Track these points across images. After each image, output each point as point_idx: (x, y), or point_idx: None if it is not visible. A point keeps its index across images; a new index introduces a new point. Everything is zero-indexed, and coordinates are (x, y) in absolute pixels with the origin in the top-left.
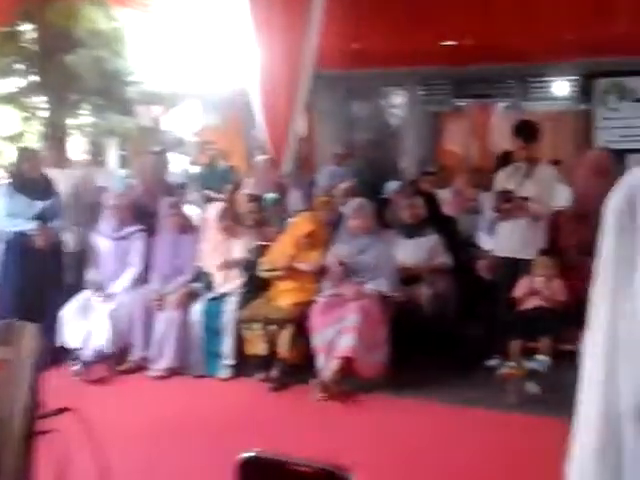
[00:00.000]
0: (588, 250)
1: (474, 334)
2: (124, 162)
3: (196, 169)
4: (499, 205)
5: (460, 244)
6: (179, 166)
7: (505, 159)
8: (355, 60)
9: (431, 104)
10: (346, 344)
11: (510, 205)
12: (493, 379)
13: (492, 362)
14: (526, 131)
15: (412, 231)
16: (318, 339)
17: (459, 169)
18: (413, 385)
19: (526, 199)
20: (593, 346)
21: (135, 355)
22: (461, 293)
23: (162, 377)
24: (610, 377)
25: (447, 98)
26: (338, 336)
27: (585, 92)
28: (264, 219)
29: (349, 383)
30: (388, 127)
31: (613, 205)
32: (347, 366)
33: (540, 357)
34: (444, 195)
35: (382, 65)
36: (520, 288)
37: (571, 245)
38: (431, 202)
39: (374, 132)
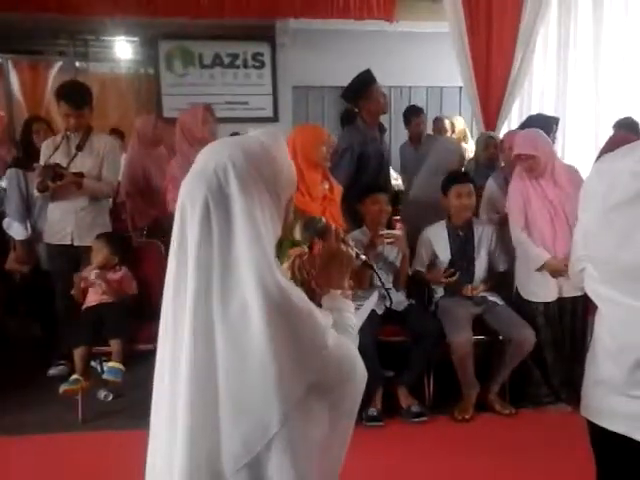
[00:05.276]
0: (158, 232)
1: (33, 337)
2: None
3: None
4: (45, 183)
5: None
6: None
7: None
8: None
9: None
10: None
11: (61, 183)
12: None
13: (55, 371)
14: (74, 95)
15: None
16: None
17: (1, 140)
18: None
19: (81, 175)
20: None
21: None
22: (7, 289)
23: None
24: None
25: None
26: None
27: (150, 55)
28: None
29: None
30: None
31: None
32: None
33: (112, 364)
34: None
35: None
36: (77, 282)
37: (137, 227)
38: None
39: None
